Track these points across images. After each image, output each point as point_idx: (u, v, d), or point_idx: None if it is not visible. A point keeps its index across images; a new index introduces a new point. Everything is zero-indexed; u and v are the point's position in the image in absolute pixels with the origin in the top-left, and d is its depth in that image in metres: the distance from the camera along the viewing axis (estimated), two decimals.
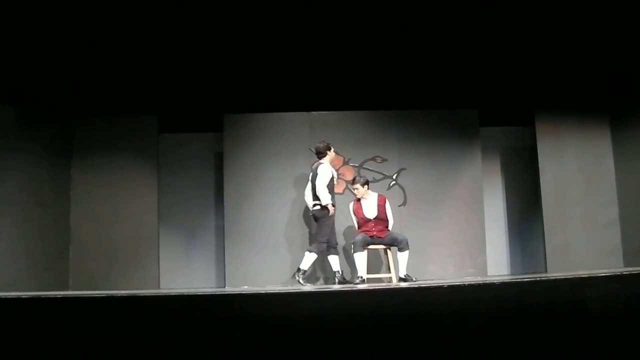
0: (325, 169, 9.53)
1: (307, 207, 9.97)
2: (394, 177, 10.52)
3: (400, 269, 9.20)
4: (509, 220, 11.44)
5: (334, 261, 9.51)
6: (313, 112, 10.66)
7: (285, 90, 10.64)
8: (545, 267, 10.51)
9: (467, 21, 10.31)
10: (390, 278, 9.34)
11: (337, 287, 8.39)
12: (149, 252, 10.18)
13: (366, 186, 9.44)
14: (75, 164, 10.23)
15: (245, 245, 10.23)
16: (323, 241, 9.40)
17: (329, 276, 10.17)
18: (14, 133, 9.60)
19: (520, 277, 8.47)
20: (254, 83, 10.61)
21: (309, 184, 9.68)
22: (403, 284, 8.55)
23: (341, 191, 10.48)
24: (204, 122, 10.79)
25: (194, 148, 11.00)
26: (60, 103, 10.19)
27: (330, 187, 9.49)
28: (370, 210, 9.31)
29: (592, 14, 10.06)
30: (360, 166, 10.50)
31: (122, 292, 6.63)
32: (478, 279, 8.65)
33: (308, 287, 8.77)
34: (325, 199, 9.34)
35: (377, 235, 9.27)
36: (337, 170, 10.41)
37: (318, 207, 9.46)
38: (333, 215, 9.47)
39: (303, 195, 10.12)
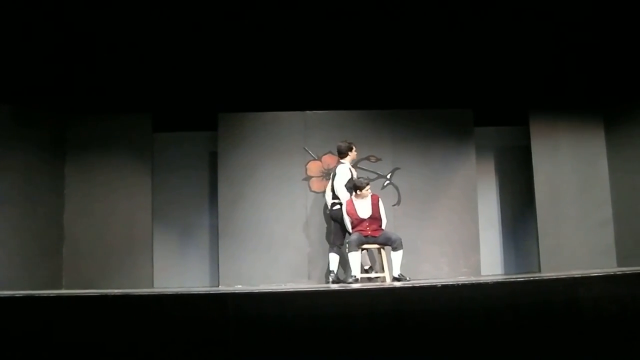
0: (344, 169, 9.58)
1: (302, 206, 10.03)
2: (388, 176, 10.52)
3: (394, 269, 9.20)
4: (502, 220, 11.45)
5: (334, 260, 9.54)
6: (308, 112, 10.65)
7: (280, 89, 10.63)
8: (539, 267, 10.50)
9: (462, 21, 10.34)
10: (384, 277, 9.34)
11: (331, 286, 8.39)
12: (142, 251, 10.17)
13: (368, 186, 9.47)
14: (69, 162, 10.21)
15: (239, 244, 10.22)
16: (339, 243, 9.55)
17: (322, 275, 10.17)
18: (7, 132, 9.56)
19: (514, 276, 8.49)
20: (249, 82, 10.60)
21: (329, 184, 9.72)
22: (397, 284, 8.56)
23: None
24: (198, 121, 10.76)
25: (188, 147, 10.98)
26: (55, 102, 10.16)
27: (349, 186, 9.49)
28: (364, 210, 9.30)
29: (587, 14, 10.09)
30: (355, 166, 10.48)
31: (116, 291, 6.63)
32: (472, 279, 8.66)
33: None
34: (344, 198, 9.40)
35: (372, 234, 9.26)
36: (331, 170, 10.43)
37: (338, 206, 9.51)
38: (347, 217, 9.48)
39: (297, 194, 10.14)
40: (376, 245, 9.36)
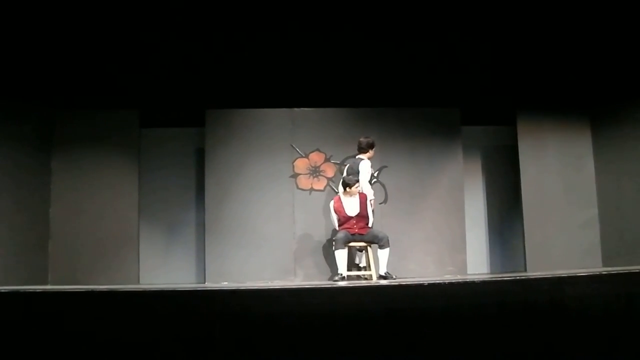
0: (367, 165, 9.55)
1: (289, 204, 10.04)
2: (375, 174, 10.52)
3: (381, 267, 9.21)
4: (489, 219, 11.49)
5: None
6: (295, 109, 10.66)
7: (267, 86, 10.62)
8: (525, 266, 10.55)
9: (450, 20, 10.35)
10: (371, 275, 9.35)
11: (320, 283, 8.39)
12: (129, 247, 10.15)
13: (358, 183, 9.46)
14: (56, 158, 10.18)
15: (226, 241, 10.22)
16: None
17: (309, 272, 10.19)
18: None
19: (500, 275, 8.51)
20: (237, 79, 10.60)
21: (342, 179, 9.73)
22: (383, 282, 8.57)
23: (322, 188, 10.50)
24: (185, 118, 10.76)
25: (175, 143, 10.96)
26: (42, 97, 10.13)
27: (371, 182, 9.57)
28: (352, 207, 9.30)
29: (574, 15, 10.12)
30: (342, 163, 10.50)
31: (102, 287, 6.61)
32: (458, 278, 8.68)
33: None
34: (369, 194, 9.42)
35: (359, 232, 9.26)
36: (318, 167, 10.44)
37: None
38: (373, 211, 9.49)
39: (284, 191, 10.17)
40: (363, 243, 9.36)
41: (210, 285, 9.39)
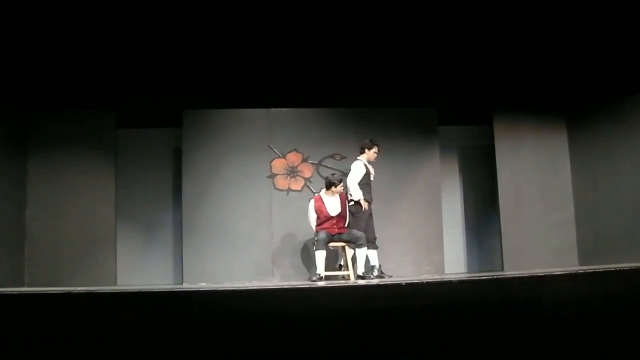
0: (358, 166, 9.57)
1: (267, 204, 10.09)
2: None
3: (359, 266, 9.23)
4: (466, 219, 11.53)
5: (373, 256, 9.50)
6: (272, 109, 10.64)
7: (245, 86, 10.62)
8: (502, 265, 10.59)
9: (426, 21, 10.37)
10: (349, 275, 9.36)
11: (298, 283, 8.38)
12: (106, 248, 10.09)
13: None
14: (32, 158, 10.10)
15: (204, 241, 10.19)
16: (361, 234, 9.43)
17: (287, 273, 10.18)
18: None
19: (477, 275, 8.55)
20: (214, 79, 10.58)
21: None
22: (361, 282, 8.59)
23: (300, 188, 10.50)
24: (162, 118, 10.71)
25: (152, 143, 10.91)
26: (17, 97, 10.05)
27: (363, 182, 9.50)
28: (333, 207, 9.31)
29: (550, 16, 10.18)
30: (319, 163, 10.51)
31: (79, 288, 6.59)
32: (435, 277, 8.71)
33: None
34: (356, 194, 9.40)
35: (339, 232, 9.28)
36: (296, 168, 10.44)
37: (352, 202, 9.50)
38: (367, 210, 9.47)
39: (262, 192, 10.21)
40: (342, 243, 9.37)
41: (187, 286, 9.36)
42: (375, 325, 5.08)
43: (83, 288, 6.90)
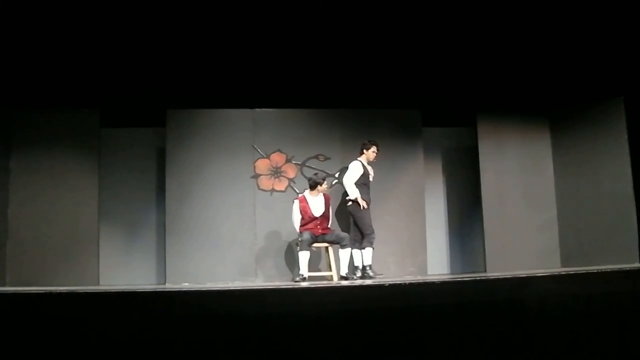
0: (355, 166, 9.67)
1: (250, 204, 10.09)
2: (337, 175, 10.55)
3: (342, 267, 9.24)
4: (449, 220, 11.55)
5: (357, 256, 9.57)
6: (257, 109, 10.63)
7: (229, 86, 10.60)
8: (485, 266, 10.62)
9: (410, 23, 10.38)
10: (332, 276, 9.37)
11: (282, 284, 8.38)
12: (88, 248, 10.03)
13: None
14: (15, 157, 10.03)
15: (187, 242, 10.16)
16: (369, 233, 9.51)
17: (270, 273, 10.18)
18: None
19: (460, 276, 8.59)
20: (198, 79, 10.56)
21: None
22: (344, 282, 8.60)
23: (283, 189, 10.49)
24: (146, 117, 10.66)
25: (136, 143, 10.86)
26: (0, 96, 9.99)
27: (361, 182, 9.59)
28: (317, 208, 9.33)
29: (533, 18, 10.21)
30: (303, 164, 10.51)
31: (61, 288, 6.56)
32: (418, 278, 8.73)
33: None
34: (352, 193, 9.49)
35: (322, 233, 9.30)
36: (279, 168, 10.43)
37: (350, 202, 9.58)
38: (367, 209, 9.53)
39: (245, 192, 10.20)
40: (325, 244, 9.38)
41: (170, 286, 9.35)
42: (358, 326, 5.09)
43: (65, 288, 6.87)
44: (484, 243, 10.67)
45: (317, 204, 9.35)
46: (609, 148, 10.44)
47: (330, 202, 9.57)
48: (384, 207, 10.54)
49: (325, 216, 9.35)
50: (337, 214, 10.29)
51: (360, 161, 9.73)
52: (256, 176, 10.47)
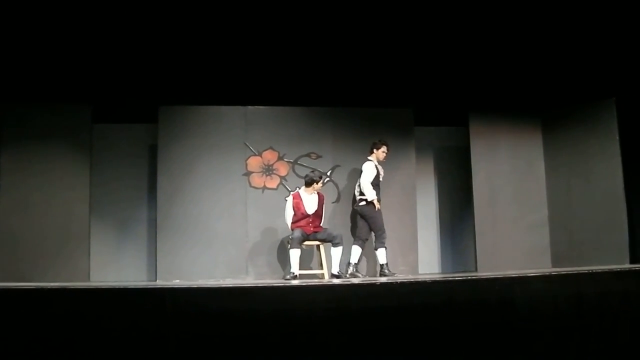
0: (369, 166, 9.69)
1: (242, 202, 10.08)
2: (329, 173, 10.54)
3: (333, 265, 9.24)
4: (440, 219, 11.57)
5: (356, 252, 9.65)
6: (249, 107, 10.61)
7: (221, 83, 10.59)
8: (476, 266, 10.64)
9: (402, 22, 10.40)
10: (323, 274, 9.37)
11: (273, 282, 8.38)
12: (79, 244, 10.01)
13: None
14: (5, 153, 9.98)
15: (178, 238, 10.14)
16: (381, 233, 9.58)
17: (261, 271, 10.18)
18: None
19: (451, 275, 8.59)
20: (190, 75, 10.55)
21: (358, 180, 9.81)
22: (335, 281, 8.60)
23: (275, 186, 10.49)
24: (138, 113, 10.62)
25: (127, 139, 10.82)
26: None
27: (375, 183, 9.62)
28: (311, 205, 9.34)
29: (527, 21, 10.24)
30: (295, 162, 10.50)
31: (52, 284, 6.55)
32: (409, 277, 8.73)
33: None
34: (370, 194, 9.50)
35: (314, 231, 9.31)
36: (271, 166, 10.43)
37: (364, 202, 9.61)
38: (379, 210, 9.57)
39: (237, 189, 10.18)
40: (316, 242, 9.39)
41: (161, 283, 9.34)
42: (349, 324, 5.09)
43: (56, 284, 6.86)
44: (474, 242, 10.69)
45: (310, 201, 9.36)
46: (601, 149, 10.47)
47: (325, 201, 9.58)
48: None
49: (317, 214, 9.36)
50: (335, 212, 10.31)
51: (372, 161, 9.78)
52: (248, 173, 10.46)
